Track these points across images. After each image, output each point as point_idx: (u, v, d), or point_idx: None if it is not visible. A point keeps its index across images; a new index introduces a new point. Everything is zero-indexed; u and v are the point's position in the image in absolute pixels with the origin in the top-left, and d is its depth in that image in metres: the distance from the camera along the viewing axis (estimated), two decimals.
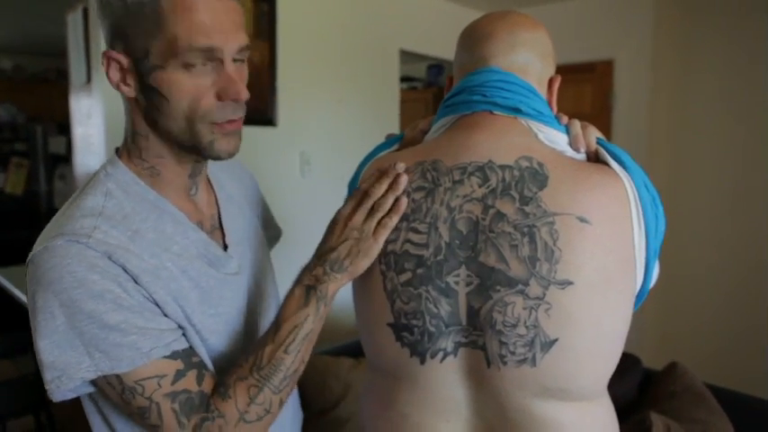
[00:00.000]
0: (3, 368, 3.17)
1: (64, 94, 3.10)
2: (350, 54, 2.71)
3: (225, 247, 0.79)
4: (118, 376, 0.62)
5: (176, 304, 0.68)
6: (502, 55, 0.76)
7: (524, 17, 0.80)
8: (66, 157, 4.70)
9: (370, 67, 2.84)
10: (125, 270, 0.63)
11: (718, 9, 2.84)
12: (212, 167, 0.84)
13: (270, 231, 0.99)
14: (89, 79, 2.11)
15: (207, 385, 0.67)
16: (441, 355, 0.70)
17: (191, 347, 0.69)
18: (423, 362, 0.71)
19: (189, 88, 0.65)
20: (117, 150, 0.75)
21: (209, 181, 0.83)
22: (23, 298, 2.42)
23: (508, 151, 0.71)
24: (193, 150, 0.70)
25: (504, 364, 0.67)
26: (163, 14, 0.62)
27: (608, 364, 0.70)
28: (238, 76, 0.67)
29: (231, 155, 0.71)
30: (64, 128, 4.64)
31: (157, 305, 0.66)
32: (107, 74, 0.67)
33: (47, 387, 0.62)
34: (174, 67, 0.64)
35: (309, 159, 2.55)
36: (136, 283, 0.64)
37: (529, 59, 0.77)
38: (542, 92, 0.78)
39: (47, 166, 4.90)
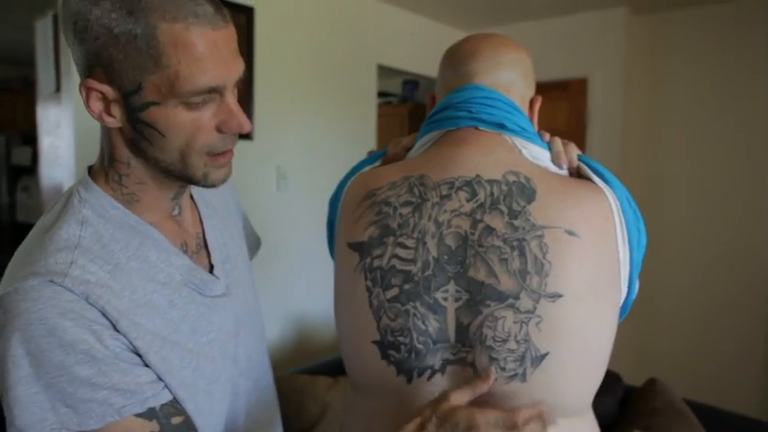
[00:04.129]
0: None
1: (30, 104, 2.99)
2: (327, 68, 2.70)
3: (211, 267, 0.74)
4: None
5: (164, 343, 0.62)
6: (486, 72, 0.77)
7: (507, 39, 0.82)
8: (30, 169, 4.57)
9: (348, 82, 2.84)
10: (104, 314, 0.58)
11: (689, 28, 2.93)
12: None
13: (249, 240, 0.95)
14: (58, 88, 2.04)
15: None
16: (428, 372, 0.69)
17: (173, 400, 0.63)
18: (410, 380, 0.69)
19: (187, 124, 0.61)
20: (90, 170, 0.69)
21: (191, 196, 0.79)
22: None
23: (495, 166, 0.71)
24: (184, 179, 0.67)
25: (494, 380, 0.65)
26: (160, 49, 0.57)
27: (594, 377, 0.71)
28: (237, 105, 0.64)
29: (224, 182, 0.68)
30: (29, 138, 4.51)
31: (138, 353, 0.60)
32: (87, 105, 0.61)
33: None
34: (172, 105, 0.60)
35: (286, 174, 2.52)
36: (115, 329, 0.58)
37: (512, 78, 0.78)
38: (524, 111, 0.79)
39: (10, 178, 4.75)
